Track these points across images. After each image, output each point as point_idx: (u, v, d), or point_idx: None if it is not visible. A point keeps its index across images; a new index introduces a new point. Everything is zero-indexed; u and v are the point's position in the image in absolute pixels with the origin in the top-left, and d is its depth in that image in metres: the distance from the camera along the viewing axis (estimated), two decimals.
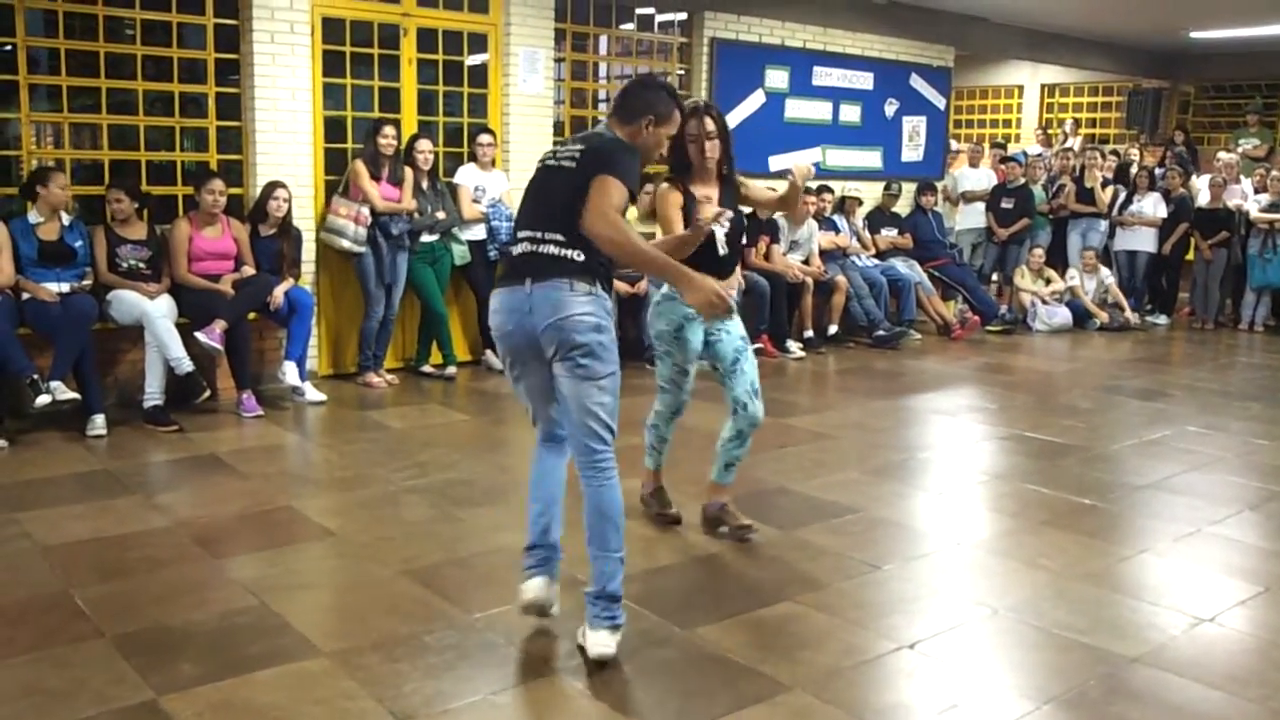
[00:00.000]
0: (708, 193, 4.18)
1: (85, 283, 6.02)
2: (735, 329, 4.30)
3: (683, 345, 4.22)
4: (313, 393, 6.62)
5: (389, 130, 7.06)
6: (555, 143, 3.61)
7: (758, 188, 4.57)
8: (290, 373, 6.51)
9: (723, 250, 4.09)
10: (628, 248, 3.21)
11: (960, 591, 3.97)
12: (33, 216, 5.95)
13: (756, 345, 8.43)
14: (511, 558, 4.15)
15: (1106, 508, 4.98)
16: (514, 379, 3.48)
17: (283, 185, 6.72)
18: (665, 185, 4.19)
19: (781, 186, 4.43)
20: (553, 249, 3.26)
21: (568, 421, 3.36)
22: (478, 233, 7.61)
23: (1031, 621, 3.66)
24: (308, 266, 7.05)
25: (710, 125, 4.15)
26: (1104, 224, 11.07)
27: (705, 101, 4.26)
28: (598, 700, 3.08)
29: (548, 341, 3.24)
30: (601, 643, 3.27)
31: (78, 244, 6.05)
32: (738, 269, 4.37)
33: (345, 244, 6.96)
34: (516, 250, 3.36)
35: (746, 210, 4.79)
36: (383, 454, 5.65)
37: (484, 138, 7.67)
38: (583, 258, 3.23)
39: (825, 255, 9.35)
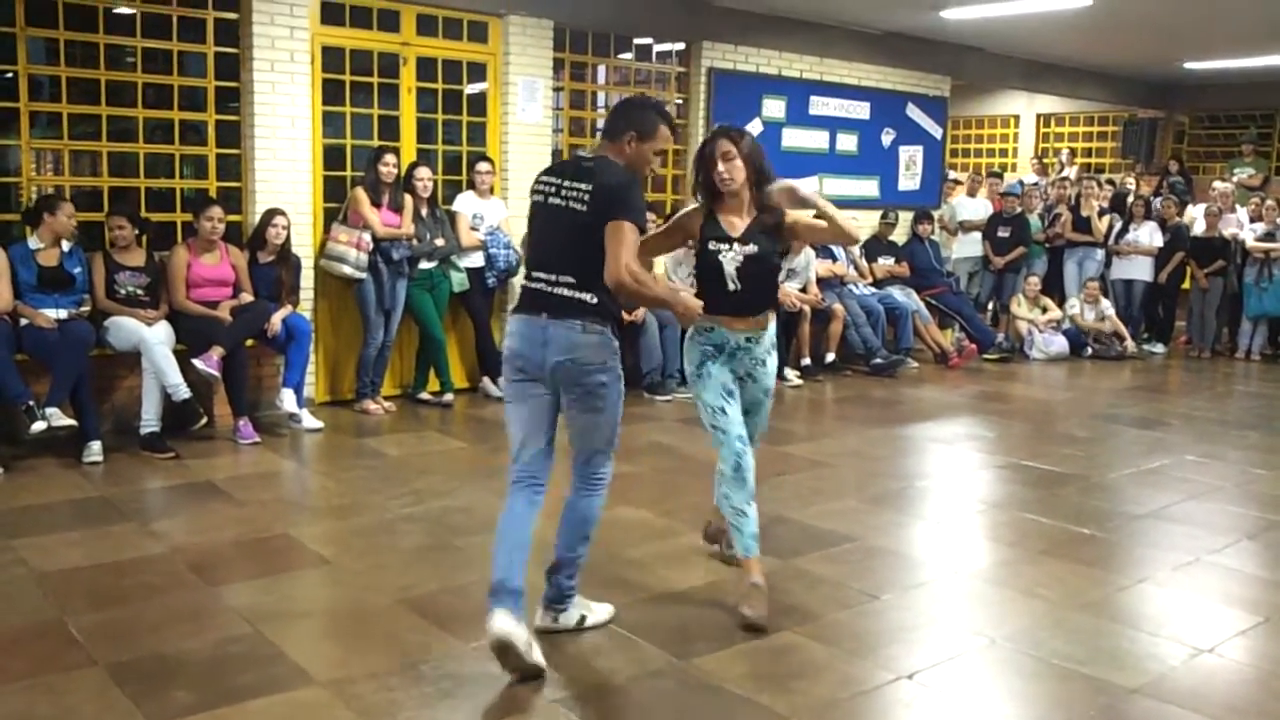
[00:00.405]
0: (733, 220, 3.97)
1: (83, 309, 6.02)
2: (765, 377, 4.10)
3: (705, 381, 4.02)
4: (310, 420, 6.61)
5: (390, 158, 7.09)
6: (550, 171, 3.59)
7: (806, 220, 4.15)
8: (288, 400, 6.50)
9: (732, 285, 3.92)
10: (645, 295, 3.49)
11: (958, 621, 3.96)
12: (33, 242, 5.96)
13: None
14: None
15: (1105, 537, 4.96)
16: (512, 399, 3.59)
17: (281, 212, 6.74)
18: (694, 207, 4.09)
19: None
20: (565, 291, 3.41)
21: (575, 439, 3.60)
22: (476, 260, 7.63)
23: (1030, 651, 3.64)
24: (306, 294, 7.05)
25: (726, 147, 3.91)
26: (1100, 253, 11.10)
27: (728, 126, 4.08)
28: None
29: (559, 375, 3.45)
30: (539, 618, 3.63)
31: (76, 270, 6.06)
32: (771, 311, 4.10)
33: (347, 270, 6.97)
34: (532, 286, 3.51)
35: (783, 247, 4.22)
36: (379, 481, 5.63)
37: (482, 165, 7.70)
38: (595, 300, 3.39)
39: (823, 283, 9.36)
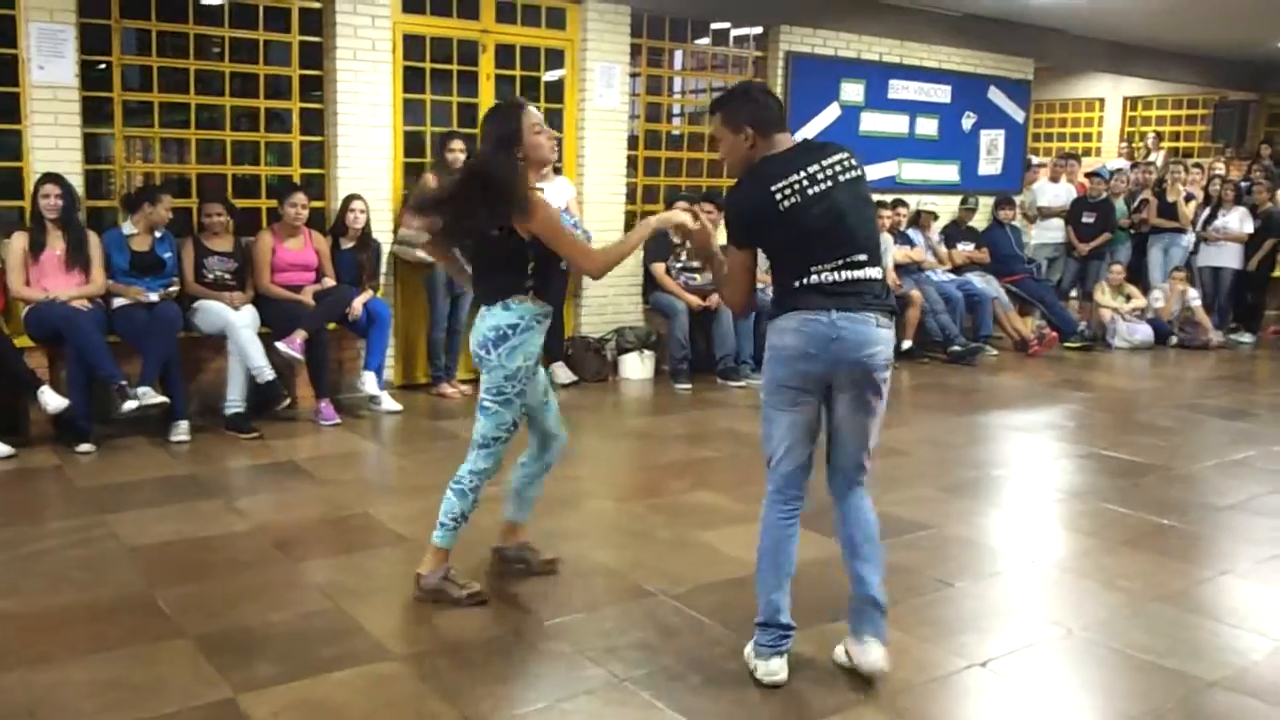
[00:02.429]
0: None
1: (172, 290, 6.20)
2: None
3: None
4: (389, 402, 6.73)
5: (457, 143, 7.15)
6: (780, 172, 3.18)
7: None
8: (369, 382, 6.63)
9: None
10: None
11: (1034, 610, 3.92)
12: (127, 228, 6.16)
13: None
14: (583, 566, 4.21)
15: (1186, 528, 4.87)
16: (792, 407, 3.26)
17: (359, 197, 6.87)
18: None
19: None
20: (870, 275, 3.20)
21: (853, 444, 3.33)
22: None
23: (1107, 642, 3.59)
24: (384, 279, 7.17)
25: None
26: (1186, 239, 10.84)
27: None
28: (666, 709, 3.09)
29: (863, 370, 3.20)
30: (883, 658, 3.25)
31: (167, 255, 6.24)
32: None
33: (418, 254, 7.05)
34: (841, 278, 3.17)
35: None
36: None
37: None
38: (880, 274, 3.25)
39: (900, 269, 9.27)
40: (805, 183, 3.20)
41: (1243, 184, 11.18)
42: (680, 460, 5.83)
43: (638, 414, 7.36)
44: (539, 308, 3.75)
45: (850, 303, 3.15)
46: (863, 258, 3.18)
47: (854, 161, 3.26)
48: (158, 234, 6.22)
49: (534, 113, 3.74)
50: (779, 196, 3.18)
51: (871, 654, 3.23)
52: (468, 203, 3.63)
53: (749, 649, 3.35)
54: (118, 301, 6.05)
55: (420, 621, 3.75)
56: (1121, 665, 3.44)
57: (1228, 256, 10.77)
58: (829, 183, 3.21)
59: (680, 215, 3.64)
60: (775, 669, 3.25)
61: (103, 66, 6.49)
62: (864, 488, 3.37)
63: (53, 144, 6.17)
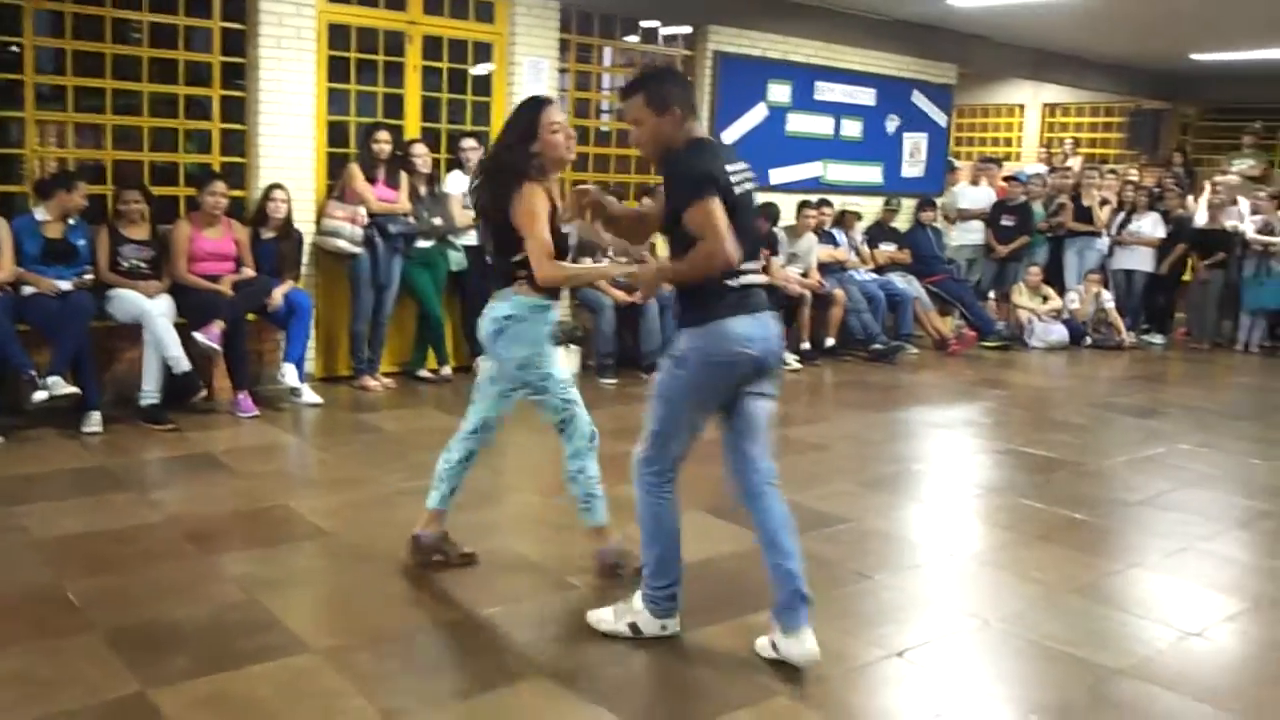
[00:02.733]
0: None
1: (87, 279, 6.05)
2: None
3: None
4: (310, 394, 6.64)
5: (383, 135, 7.09)
6: (727, 158, 3.28)
7: None
8: (290, 374, 6.53)
9: None
10: None
11: (951, 602, 3.99)
12: (39, 214, 5.99)
13: None
14: (504, 559, 4.20)
15: (1098, 522, 4.99)
16: (705, 409, 3.38)
17: (280, 186, 6.76)
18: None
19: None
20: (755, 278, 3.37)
21: (761, 439, 3.40)
22: (472, 238, 7.62)
23: (1022, 633, 3.67)
24: (305, 269, 7.07)
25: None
26: (1100, 243, 11.11)
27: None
28: (588, 701, 3.09)
29: (769, 367, 3.36)
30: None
31: (80, 242, 6.08)
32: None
33: (342, 244, 6.97)
34: (748, 281, 3.29)
35: None
36: (377, 456, 5.67)
37: (467, 141, 7.67)
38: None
39: (824, 269, 9.37)
40: (744, 176, 3.29)
41: (1155, 190, 11.49)
42: (604, 454, 5.79)
43: None
44: (534, 299, 3.76)
45: (768, 303, 3.37)
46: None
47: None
48: (71, 221, 6.06)
49: (555, 111, 3.73)
50: (734, 179, 3.22)
51: (808, 645, 3.27)
52: (478, 188, 3.79)
53: (645, 615, 3.44)
54: (27, 289, 5.87)
55: (339, 615, 3.71)
56: (1035, 655, 3.52)
57: (1140, 260, 11.05)
58: (751, 185, 3.31)
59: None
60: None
61: (14, 49, 6.31)
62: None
63: None
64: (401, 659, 3.30)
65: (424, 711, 3.02)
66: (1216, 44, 11.67)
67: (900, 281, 9.95)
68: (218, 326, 6.14)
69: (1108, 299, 10.74)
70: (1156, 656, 3.54)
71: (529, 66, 8.03)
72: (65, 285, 5.91)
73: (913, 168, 10.97)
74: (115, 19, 6.58)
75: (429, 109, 7.83)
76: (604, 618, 3.51)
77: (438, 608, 3.70)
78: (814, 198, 9.54)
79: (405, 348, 7.74)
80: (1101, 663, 3.45)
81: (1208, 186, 11.43)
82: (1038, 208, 11.17)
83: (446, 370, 7.56)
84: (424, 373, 7.58)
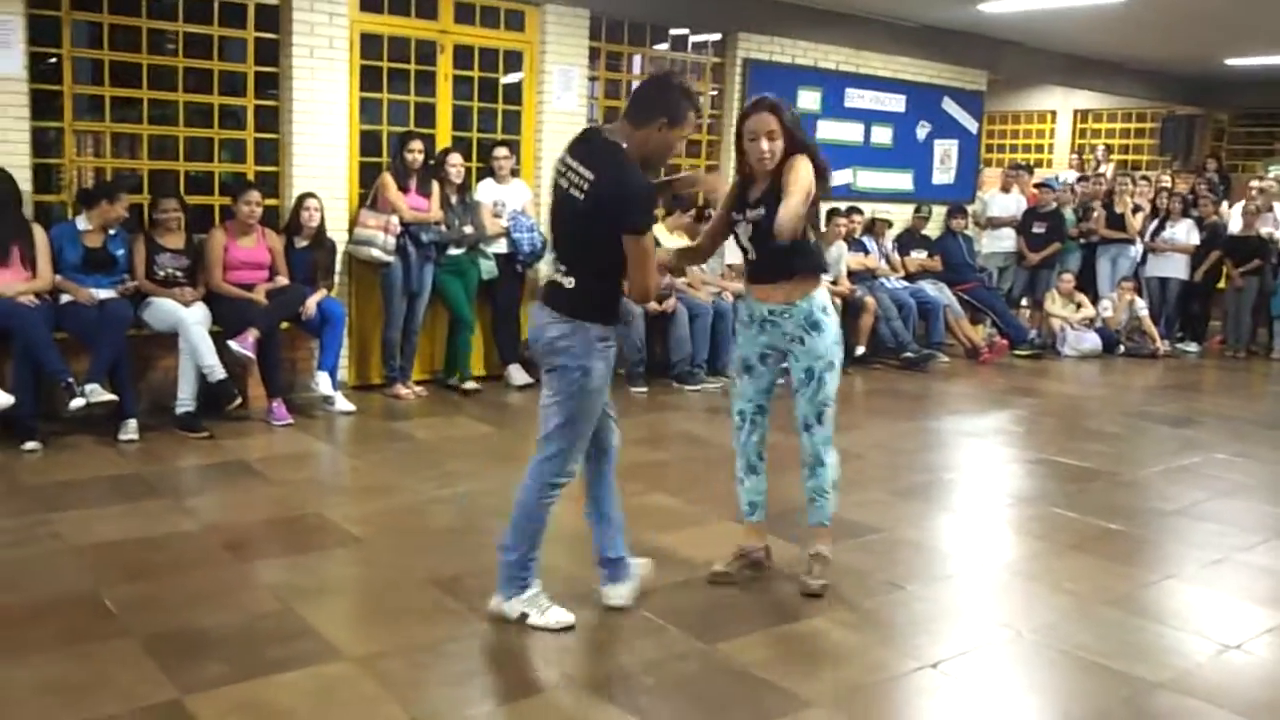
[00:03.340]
0: (756, 187, 3.88)
1: (131, 285, 6.12)
2: (804, 355, 3.97)
3: (733, 352, 4.15)
4: (343, 402, 6.68)
5: (416, 144, 7.13)
6: (568, 149, 3.53)
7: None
8: (323, 382, 6.58)
9: (750, 254, 3.94)
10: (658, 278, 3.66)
11: (984, 613, 3.96)
12: (81, 223, 6.07)
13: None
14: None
15: (1133, 533, 4.95)
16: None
17: (313, 195, 6.81)
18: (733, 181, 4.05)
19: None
20: (558, 277, 3.51)
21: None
22: (501, 246, 7.65)
23: (1055, 644, 3.64)
24: (338, 278, 7.12)
25: (771, 124, 3.78)
26: (1134, 250, 11.02)
27: (769, 97, 3.86)
28: (620, 709, 3.09)
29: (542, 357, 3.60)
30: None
31: (119, 252, 6.15)
32: (804, 280, 3.88)
33: (375, 253, 7.01)
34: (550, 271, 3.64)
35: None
36: (410, 464, 5.69)
37: (499, 150, 7.72)
38: (573, 286, 3.45)
39: (854, 276, 9.35)
40: (562, 171, 3.56)
41: (1189, 196, 11.38)
42: (635, 463, 5.81)
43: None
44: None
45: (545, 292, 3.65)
46: None
47: (586, 186, 3.44)
48: (110, 230, 6.13)
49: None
50: (556, 166, 3.60)
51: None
52: None
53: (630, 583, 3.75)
54: (66, 297, 5.95)
55: (372, 622, 3.73)
56: (1069, 667, 3.49)
57: (1174, 267, 10.95)
58: (566, 184, 3.54)
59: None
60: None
61: (53, 60, 6.39)
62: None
63: (0, 137, 6.06)
64: (434, 667, 3.31)
65: (457, 719, 3.02)
66: (1250, 49, 11.56)
67: (931, 289, 9.90)
68: (252, 335, 6.19)
69: (1141, 307, 10.65)
70: (1195, 669, 3.50)
71: (559, 75, 8.05)
72: (104, 294, 5.98)
73: (943, 174, 10.93)
74: (151, 29, 6.66)
75: (460, 117, 7.88)
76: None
77: (470, 616, 3.70)
78: (844, 205, 9.52)
79: (438, 356, 7.77)
80: (1139, 675, 3.41)
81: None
82: (1068, 213, 11.09)
83: (469, 385, 7.53)
84: (454, 381, 7.57)
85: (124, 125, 6.75)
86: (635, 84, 9.12)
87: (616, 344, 3.61)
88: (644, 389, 7.73)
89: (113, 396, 5.74)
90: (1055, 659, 3.54)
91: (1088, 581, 4.26)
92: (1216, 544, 4.79)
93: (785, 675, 3.32)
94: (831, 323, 3.95)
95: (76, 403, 5.59)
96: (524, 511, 3.59)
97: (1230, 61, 12.32)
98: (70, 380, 5.60)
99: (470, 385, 7.50)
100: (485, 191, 7.70)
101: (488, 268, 7.59)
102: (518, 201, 7.77)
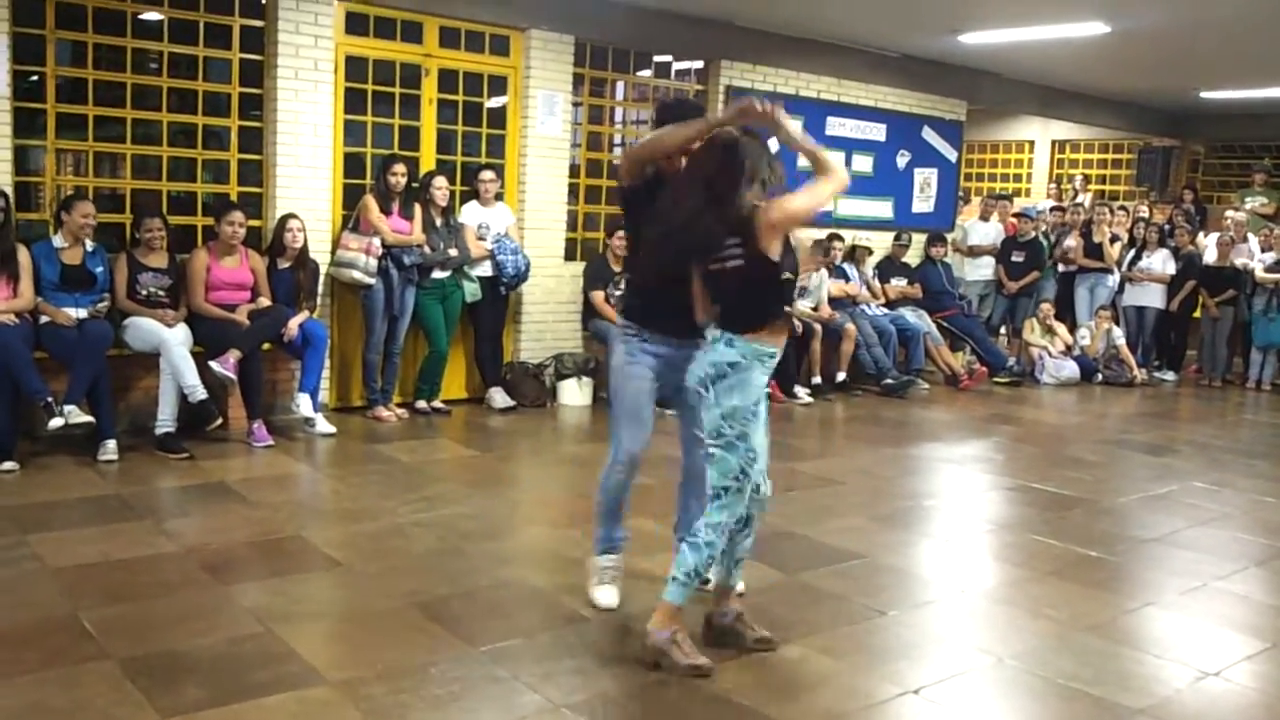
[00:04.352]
0: None
1: (102, 306, 6.08)
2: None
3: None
4: (324, 425, 6.65)
5: (399, 167, 7.14)
6: None
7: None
8: (304, 404, 6.55)
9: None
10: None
11: (965, 639, 3.98)
12: (57, 241, 6.04)
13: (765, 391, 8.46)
14: (518, 591, 4.19)
15: (1112, 560, 4.98)
16: None
17: (295, 216, 6.81)
18: None
19: None
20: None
21: None
22: (486, 269, 7.67)
23: (1036, 671, 3.66)
24: (320, 300, 7.10)
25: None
26: (1111, 279, 11.12)
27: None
28: None
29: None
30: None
31: (99, 269, 6.12)
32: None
33: (356, 275, 7.01)
34: None
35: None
36: (391, 486, 5.67)
37: (485, 174, 7.75)
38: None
39: (835, 303, 9.39)
40: None
41: (1165, 227, 11.51)
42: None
43: (575, 440, 7.36)
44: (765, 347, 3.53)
45: None
46: None
47: None
48: (89, 247, 6.09)
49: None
50: None
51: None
52: None
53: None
54: (45, 317, 5.91)
55: (354, 646, 3.70)
56: (1049, 693, 3.50)
57: (1151, 297, 11.07)
58: None
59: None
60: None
61: (35, 78, 6.38)
62: None
63: None
64: (416, 691, 3.29)
65: None
66: (1226, 82, 11.73)
67: (911, 316, 9.96)
68: (233, 356, 6.17)
69: (1119, 335, 10.74)
70: (1175, 696, 3.52)
71: (543, 100, 8.09)
72: (81, 313, 5.94)
73: (923, 203, 11.01)
74: (135, 49, 6.66)
75: (444, 141, 7.90)
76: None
77: (451, 640, 3.69)
78: (824, 233, 9.57)
79: (416, 378, 7.74)
80: (1119, 701, 3.43)
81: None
82: (1044, 241, 11.18)
83: (438, 403, 7.55)
84: (436, 404, 7.57)
85: (107, 144, 6.73)
86: (619, 110, 9.20)
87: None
88: None
89: (90, 419, 5.70)
90: (1036, 685, 3.56)
91: (1068, 608, 4.28)
92: (1195, 571, 4.82)
93: (766, 701, 3.32)
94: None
95: (55, 422, 5.55)
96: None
97: (1206, 94, 12.50)
98: (49, 400, 5.57)
99: (439, 404, 7.51)
100: (469, 215, 7.71)
101: (471, 290, 7.60)
102: (501, 225, 7.79)
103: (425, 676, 3.40)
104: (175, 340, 6.10)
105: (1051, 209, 12.36)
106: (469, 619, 3.87)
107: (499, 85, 8.07)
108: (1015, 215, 11.37)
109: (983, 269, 11.19)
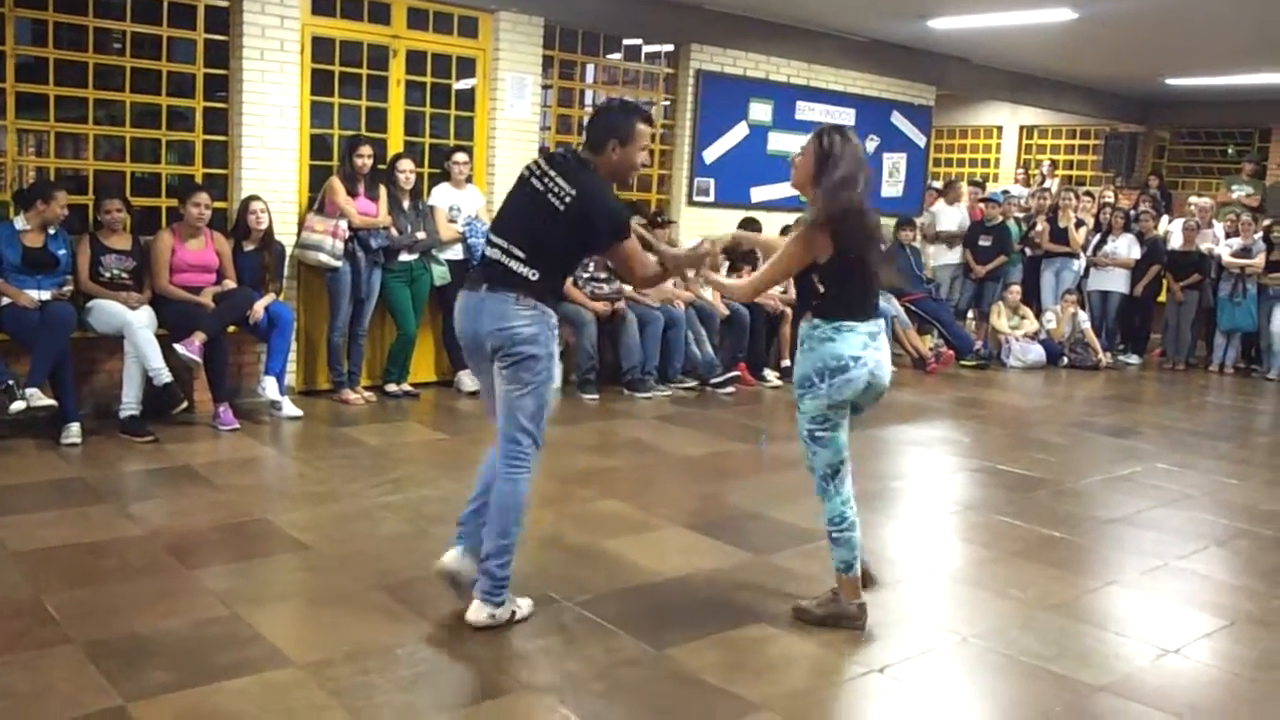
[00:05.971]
0: None
1: (66, 289, 6.01)
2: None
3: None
4: (290, 408, 6.61)
5: (365, 149, 7.09)
6: (548, 159, 3.73)
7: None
8: (270, 387, 6.51)
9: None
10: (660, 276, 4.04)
11: (930, 618, 4.01)
12: (19, 223, 5.96)
13: (734, 374, 8.50)
14: None
15: (1075, 540, 5.03)
16: (475, 374, 3.88)
17: (258, 198, 6.75)
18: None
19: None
20: (514, 264, 3.58)
21: (500, 415, 3.66)
22: (456, 253, 7.64)
23: (1000, 649, 3.69)
24: (286, 282, 7.04)
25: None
26: (1077, 264, 11.21)
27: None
28: (571, 716, 3.09)
29: (491, 343, 3.60)
30: (474, 611, 3.61)
31: (61, 252, 6.05)
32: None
33: (323, 258, 6.96)
34: (486, 255, 3.69)
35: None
36: (358, 469, 5.65)
37: (459, 156, 7.71)
38: (536, 277, 3.57)
39: None
40: (538, 174, 3.71)
41: (1131, 212, 11.61)
42: (586, 470, 5.83)
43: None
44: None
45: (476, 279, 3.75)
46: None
47: (568, 199, 3.60)
48: (51, 230, 6.02)
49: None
50: (530, 166, 3.76)
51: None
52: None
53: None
54: (6, 299, 5.84)
55: (320, 629, 3.69)
56: (1013, 671, 3.54)
57: (1116, 281, 11.16)
58: (542, 188, 3.67)
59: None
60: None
61: None
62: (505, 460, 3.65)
63: None
64: (383, 673, 3.28)
65: None
66: (1190, 69, 11.84)
67: (880, 300, 9.98)
68: (198, 339, 6.12)
69: (1084, 319, 10.84)
70: (1136, 673, 3.57)
71: (513, 82, 8.05)
72: (44, 296, 5.87)
73: (892, 188, 11.05)
74: (98, 28, 6.57)
75: (412, 123, 7.84)
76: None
77: (419, 622, 3.68)
78: (793, 217, 9.58)
79: (380, 362, 7.71)
80: (1081, 679, 3.47)
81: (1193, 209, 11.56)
82: (1013, 225, 11.25)
83: (407, 386, 7.54)
84: (400, 387, 7.54)
85: (69, 125, 6.64)
86: (589, 93, 9.18)
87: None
88: (595, 396, 7.73)
89: (53, 402, 5.65)
90: (1000, 663, 3.60)
91: (1032, 587, 4.33)
92: (1157, 551, 4.88)
93: (734, 680, 3.34)
94: None
95: (17, 405, 5.50)
96: (509, 502, 3.64)
97: (1171, 81, 12.61)
98: (10, 383, 5.50)
99: (407, 387, 7.49)
100: (440, 197, 7.67)
101: (440, 273, 7.57)
102: (473, 207, 7.75)
103: (392, 658, 3.39)
104: (139, 323, 6.04)
105: (1031, 194, 12.43)
106: (436, 601, 3.86)
107: (467, 67, 8.02)
108: (982, 200, 11.44)
109: (950, 253, 11.25)
